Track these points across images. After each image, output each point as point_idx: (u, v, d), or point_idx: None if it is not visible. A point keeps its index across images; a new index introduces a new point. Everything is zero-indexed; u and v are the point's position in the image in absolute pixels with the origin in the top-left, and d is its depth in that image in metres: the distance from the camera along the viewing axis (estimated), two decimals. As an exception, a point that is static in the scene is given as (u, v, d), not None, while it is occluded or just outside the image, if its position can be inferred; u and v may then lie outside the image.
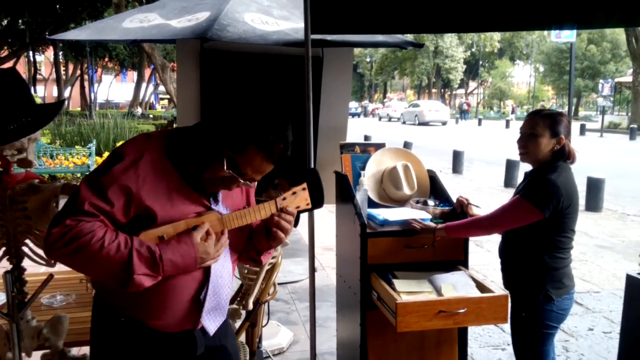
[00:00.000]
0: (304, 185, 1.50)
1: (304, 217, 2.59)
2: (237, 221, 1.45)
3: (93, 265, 1.28)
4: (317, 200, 2.51)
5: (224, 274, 1.49)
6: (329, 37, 3.25)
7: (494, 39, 43.15)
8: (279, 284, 3.06)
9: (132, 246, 1.28)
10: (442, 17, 2.60)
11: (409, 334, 2.31)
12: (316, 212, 2.75)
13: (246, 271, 2.57)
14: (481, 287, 2.13)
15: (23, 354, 1.76)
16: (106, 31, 3.60)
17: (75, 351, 1.86)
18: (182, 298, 1.42)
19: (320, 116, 3.57)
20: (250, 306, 2.40)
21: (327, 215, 5.21)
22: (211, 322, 1.47)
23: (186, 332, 1.47)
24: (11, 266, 1.81)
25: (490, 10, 2.51)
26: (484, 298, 2.03)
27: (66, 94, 30.02)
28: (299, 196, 1.52)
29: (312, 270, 2.56)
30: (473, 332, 3.59)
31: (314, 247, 2.61)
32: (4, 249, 1.85)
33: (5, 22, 19.82)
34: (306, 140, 2.75)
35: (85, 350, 1.86)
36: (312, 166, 2.79)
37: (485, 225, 2.17)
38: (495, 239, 3.66)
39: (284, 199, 1.49)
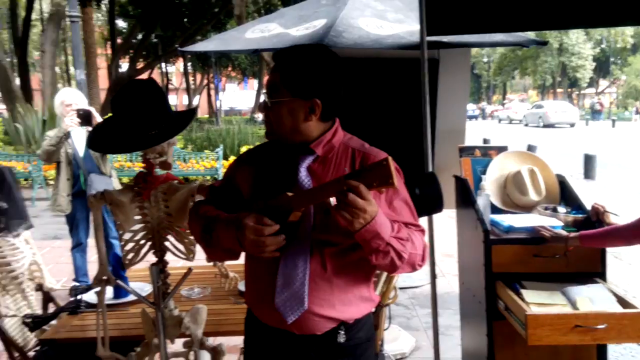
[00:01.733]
0: (386, 158, 1.24)
1: (423, 222, 2.57)
2: (303, 201, 1.35)
3: (194, 231, 1.58)
4: (435, 205, 2.48)
5: (299, 264, 1.44)
6: (445, 39, 3.19)
7: (625, 33, 39.43)
8: (399, 288, 3.06)
9: (209, 214, 1.51)
10: (567, 11, 2.44)
11: (541, 348, 2.20)
12: (435, 217, 2.71)
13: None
14: (623, 302, 1.97)
15: (167, 341, 1.92)
16: (230, 42, 3.81)
17: (211, 340, 2.01)
18: (260, 279, 1.51)
19: (437, 119, 3.52)
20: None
21: (446, 221, 5.10)
22: (287, 311, 1.46)
23: (282, 331, 1.49)
24: (156, 259, 1.99)
25: (622, 2, 2.31)
26: (627, 314, 1.88)
27: (195, 102, 32.25)
28: (375, 172, 1.24)
29: (434, 276, 2.52)
30: (613, 350, 3.32)
31: (434, 252, 2.58)
32: (149, 243, 2.03)
33: (140, 37, 21.73)
34: (423, 143, 2.72)
35: (220, 340, 2.00)
36: (430, 170, 2.76)
37: (625, 235, 2.01)
38: (637, 251, 3.37)
39: (352, 175, 1.27)
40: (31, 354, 2.48)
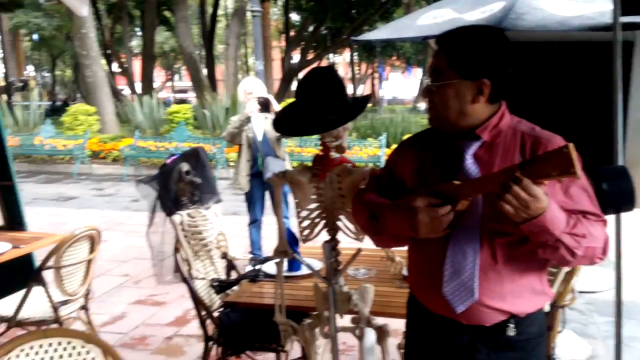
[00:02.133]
0: (565, 146, 1.12)
1: (610, 221, 2.34)
2: (471, 190, 1.31)
3: (359, 217, 1.67)
4: (625, 202, 2.25)
5: (468, 253, 1.41)
6: None
7: None
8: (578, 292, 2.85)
9: (374, 200, 1.55)
10: None
11: None
12: (625, 216, 2.46)
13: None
14: None
15: (337, 315, 2.03)
16: (402, 29, 3.81)
17: (376, 320, 2.08)
18: (426, 266, 1.50)
19: (629, 108, 3.18)
20: (547, 308, 2.29)
21: (635, 221, 4.57)
22: (456, 300, 1.43)
23: (448, 320, 1.48)
24: (329, 237, 2.10)
25: None
26: None
27: (359, 91, 32.92)
28: (555, 160, 1.13)
29: (619, 281, 2.30)
30: None
31: (621, 256, 2.35)
32: (323, 222, 2.15)
33: (311, 29, 22.71)
34: (613, 134, 2.49)
35: (385, 320, 2.05)
36: (621, 163, 2.51)
37: None
38: None
39: (526, 163, 1.19)
40: (215, 314, 2.79)
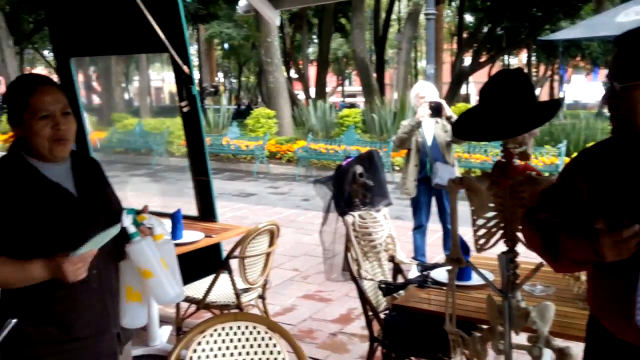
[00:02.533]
0: None
1: None
2: None
3: (532, 238, 1.57)
4: None
5: None
6: None
7: None
8: None
9: (549, 221, 1.46)
10: None
11: None
12: None
13: None
14: None
15: (512, 331, 1.94)
16: (598, 28, 3.51)
17: (557, 342, 1.93)
18: (614, 297, 1.36)
19: None
20: None
21: None
22: None
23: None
24: (507, 248, 2.00)
25: None
26: None
27: (536, 94, 30.75)
28: None
29: None
30: None
31: None
32: (501, 232, 2.06)
33: (485, 30, 21.80)
34: None
35: (564, 343, 1.90)
36: None
37: None
38: None
39: None
40: (381, 315, 2.83)
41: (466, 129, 1.99)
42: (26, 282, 1.54)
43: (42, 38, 26.64)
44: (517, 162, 2.03)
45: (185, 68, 3.47)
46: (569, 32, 4.25)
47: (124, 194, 2.07)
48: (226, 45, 27.71)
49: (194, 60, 24.50)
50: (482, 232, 2.10)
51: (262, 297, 3.43)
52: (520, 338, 1.98)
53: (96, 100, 20.88)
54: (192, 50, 24.89)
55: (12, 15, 19.01)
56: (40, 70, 43.07)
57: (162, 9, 3.35)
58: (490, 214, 2.08)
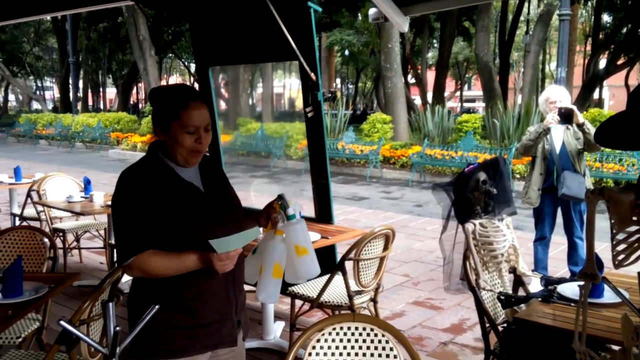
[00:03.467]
0: None
1: None
2: None
3: None
4: None
5: None
6: None
7: None
8: None
9: None
10: None
11: None
12: None
13: None
14: None
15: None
16: None
17: None
18: None
19: None
20: None
21: None
22: None
23: None
24: None
25: None
26: None
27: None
28: None
29: None
30: None
31: None
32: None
33: (625, 30, 20.02)
34: None
35: None
36: None
37: None
38: None
39: None
40: (499, 328, 2.71)
41: (611, 135, 1.86)
42: (180, 272, 1.69)
43: (179, 48, 28.97)
44: None
45: (312, 75, 3.61)
46: None
47: (245, 194, 2.19)
48: (346, 52, 28.19)
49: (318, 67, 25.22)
50: (622, 247, 1.94)
51: (374, 300, 3.44)
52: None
53: (223, 105, 22.22)
54: (317, 56, 25.59)
55: (154, 27, 20.87)
56: (176, 78, 46.81)
57: (294, 20, 3.51)
58: (633, 228, 1.91)
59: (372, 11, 3.85)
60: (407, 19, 3.70)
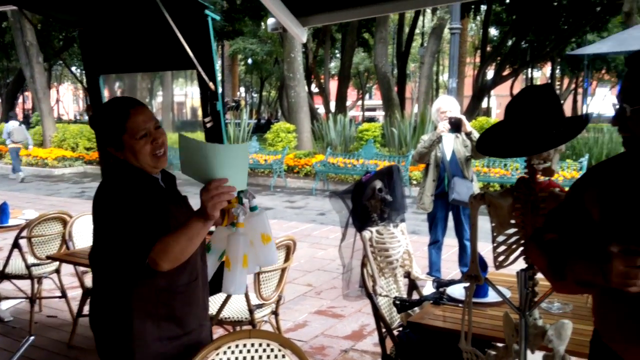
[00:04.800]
0: None
1: None
2: None
3: (536, 258, 1.57)
4: None
5: None
6: None
7: None
8: None
9: (555, 240, 1.43)
10: None
11: None
12: None
13: None
14: None
15: (527, 349, 1.89)
16: (629, 42, 3.46)
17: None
18: (623, 320, 1.32)
19: None
20: None
21: None
22: None
23: None
24: (526, 265, 1.96)
25: None
26: None
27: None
28: None
29: None
30: None
31: None
32: (521, 249, 2.02)
33: (509, 43, 21.68)
34: None
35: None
36: None
37: None
38: None
39: None
40: (395, 332, 2.79)
41: (491, 144, 1.97)
42: (193, 239, 1.63)
43: (71, 55, 27.30)
44: (541, 178, 1.99)
45: (211, 85, 3.52)
46: (598, 46, 4.21)
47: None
48: (250, 61, 28.07)
49: (218, 76, 24.88)
50: (502, 248, 2.06)
51: (275, 313, 3.41)
52: (536, 357, 1.93)
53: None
54: (216, 65, 25.22)
55: (43, 32, 19.51)
56: (67, 86, 44.05)
57: (192, 28, 3.41)
58: (511, 231, 2.04)
59: (270, 21, 3.84)
60: (305, 30, 3.73)
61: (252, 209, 1.89)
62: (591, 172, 1.52)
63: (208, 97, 3.58)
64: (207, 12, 3.49)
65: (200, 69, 3.45)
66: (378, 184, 3.04)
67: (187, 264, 1.73)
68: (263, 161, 12.77)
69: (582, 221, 1.43)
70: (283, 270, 3.37)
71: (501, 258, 2.02)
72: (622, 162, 1.42)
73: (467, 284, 2.11)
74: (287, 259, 3.39)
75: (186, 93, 38.04)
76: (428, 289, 3.37)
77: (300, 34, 3.66)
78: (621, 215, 1.33)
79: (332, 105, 21.64)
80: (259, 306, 3.24)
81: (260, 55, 25.45)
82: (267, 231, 1.90)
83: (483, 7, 20.91)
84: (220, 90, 3.73)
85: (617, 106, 1.34)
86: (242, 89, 40.27)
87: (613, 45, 3.36)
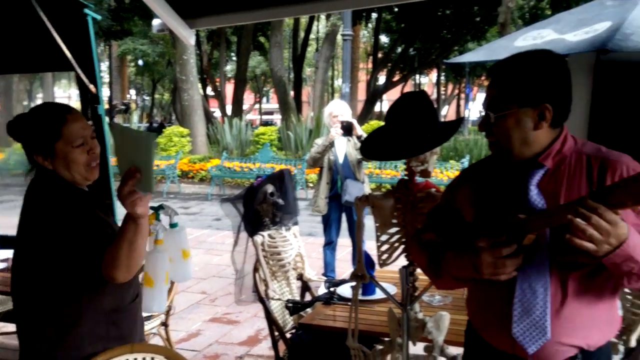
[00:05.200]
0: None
1: None
2: (540, 224, 1.24)
3: (418, 258, 1.61)
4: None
5: (538, 290, 1.33)
6: None
7: None
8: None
9: (433, 240, 1.48)
10: None
11: None
12: None
13: (629, 304, 2.29)
14: None
15: (410, 342, 1.98)
16: (499, 51, 3.72)
17: (451, 349, 2.00)
18: (493, 306, 1.42)
19: None
20: (633, 343, 2.12)
21: None
22: (527, 341, 1.34)
23: (515, 357, 1.41)
24: (407, 262, 2.06)
25: None
26: None
27: (443, 112, 32.39)
28: (628, 190, 1.07)
29: None
30: None
31: None
32: (402, 247, 2.11)
33: (399, 50, 22.72)
34: None
35: (459, 350, 1.97)
36: None
37: None
38: None
39: (600, 193, 1.12)
40: (288, 335, 2.80)
41: (372, 148, 2.04)
42: (135, 237, 1.51)
43: None
44: (419, 179, 2.10)
45: (92, 87, 3.32)
46: (471, 55, 4.52)
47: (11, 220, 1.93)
48: (140, 62, 26.92)
49: (105, 77, 23.63)
50: (385, 247, 2.15)
51: (165, 324, 3.29)
52: (418, 348, 2.03)
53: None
54: (103, 66, 23.93)
55: None
56: None
57: (69, 27, 3.19)
58: (393, 230, 2.13)
59: (156, 22, 3.71)
60: (193, 32, 3.64)
61: (172, 225, 1.91)
62: (463, 174, 1.62)
63: (89, 100, 3.38)
64: (86, 11, 3.29)
65: (79, 70, 3.25)
66: (269, 188, 3.05)
67: (132, 281, 1.66)
68: (155, 167, 12.27)
69: (455, 220, 1.53)
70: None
71: (385, 256, 2.11)
72: (490, 164, 1.53)
73: (354, 283, 2.17)
74: (177, 267, 3.28)
75: (70, 95, 35.70)
76: (323, 290, 3.43)
77: (187, 36, 3.56)
78: (488, 213, 1.43)
79: (229, 109, 21.38)
80: (147, 318, 3.11)
81: (152, 57, 24.50)
82: (187, 247, 1.94)
83: (374, 15, 21.72)
84: (108, 92, 3.54)
85: (483, 113, 1.44)
86: (133, 92, 38.55)
87: (485, 54, 3.65)
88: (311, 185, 10.71)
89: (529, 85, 1.35)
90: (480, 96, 41.03)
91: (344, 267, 5.28)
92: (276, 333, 2.72)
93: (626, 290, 2.27)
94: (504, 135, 1.39)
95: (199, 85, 16.03)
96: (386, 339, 2.18)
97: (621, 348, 2.25)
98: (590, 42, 2.83)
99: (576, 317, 1.35)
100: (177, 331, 3.98)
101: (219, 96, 23.03)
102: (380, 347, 2.11)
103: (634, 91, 3.01)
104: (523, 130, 1.36)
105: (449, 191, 1.61)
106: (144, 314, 3.01)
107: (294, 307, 2.69)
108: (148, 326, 3.11)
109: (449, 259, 1.43)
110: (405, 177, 2.07)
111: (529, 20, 18.21)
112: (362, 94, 25.06)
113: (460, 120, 2.05)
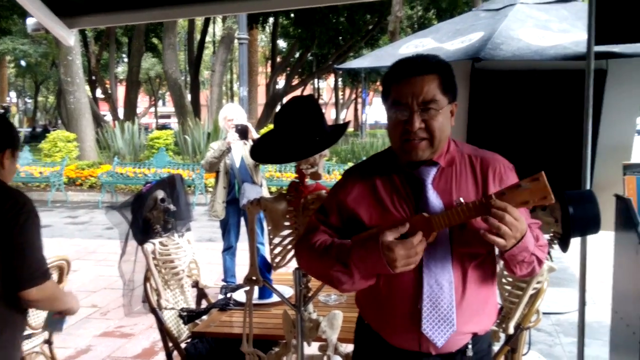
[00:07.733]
0: (539, 175, 1.18)
1: (576, 244, 2.36)
2: (443, 221, 1.28)
3: (313, 264, 1.49)
4: (591, 225, 2.27)
5: (443, 282, 1.37)
6: (616, 49, 2.93)
7: None
8: (543, 313, 2.85)
9: (331, 244, 1.43)
10: None
11: None
12: (590, 239, 2.50)
13: (507, 294, 2.47)
14: None
15: (305, 343, 2.00)
16: (385, 58, 3.87)
17: (344, 347, 2.05)
18: (398, 306, 1.42)
19: (600, 134, 3.26)
20: (511, 330, 2.29)
21: (601, 244, 4.63)
22: (437, 335, 1.38)
23: (416, 354, 1.42)
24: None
25: None
26: None
27: (342, 115, 33.21)
28: (527, 189, 1.20)
29: (583, 303, 2.31)
30: None
31: (585, 277, 2.37)
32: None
33: (297, 55, 22.98)
34: (582, 159, 2.53)
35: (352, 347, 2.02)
36: (588, 187, 2.55)
37: None
38: None
39: (502, 193, 1.23)
40: (183, 345, 2.72)
41: (262, 152, 2.03)
42: None
43: None
44: (310, 181, 2.12)
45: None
46: (360, 61, 4.68)
47: None
48: (22, 62, 24.95)
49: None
50: (278, 249, 2.15)
51: (48, 342, 3.06)
52: (313, 348, 2.05)
53: None
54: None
55: None
56: None
57: None
58: (286, 232, 2.14)
59: (30, 21, 3.42)
60: (72, 32, 3.42)
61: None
62: (350, 175, 1.58)
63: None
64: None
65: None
66: (160, 194, 2.94)
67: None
68: (38, 174, 11.43)
69: (352, 222, 1.48)
70: (57, 294, 3.04)
71: (278, 259, 2.12)
72: (379, 163, 1.52)
73: (247, 287, 2.15)
74: (60, 281, 3.06)
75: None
76: (220, 295, 3.37)
77: (66, 36, 3.34)
78: (387, 211, 1.43)
79: (122, 112, 20.41)
80: (27, 337, 2.88)
81: (34, 57, 22.82)
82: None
83: (271, 20, 21.79)
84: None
85: (419, 109, 1.43)
86: (13, 94, 35.57)
87: (372, 60, 3.80)
88: (210, 189, 10.49)
89: (454, 82, 1.42)
90: (377, 101, 42.57)
91: (245, 271, 5.19)
92: (170, 344, 2.63)
93: (504, 280, 2.45)
94: (438, 130, 1.38)
95: (87, 88, 15.12)
96: (282, 341, 2.19)
97: (502, 335, 2.43)
98: (465, 51, 3.04)
99: (473, 305, 1.41)
100: (65, 348, 3.73)
101: (110, 99, 21.92)
102: (275, 349, 2.11)
103: (505, 97, 3.27)
104: (448, 126, 1.41)
105: (338, 192, 1.55)
106: (25, 333, 2.79)
107: (189, 316, 2.62)
108: (28, 345, 2.88)
109: (355, 259, 1.36)
110: (296, 180, 2.09)
111: (417, 29, 19.25)
112: (262, 98, 25.03)
113: (346, 125, 2.10)
